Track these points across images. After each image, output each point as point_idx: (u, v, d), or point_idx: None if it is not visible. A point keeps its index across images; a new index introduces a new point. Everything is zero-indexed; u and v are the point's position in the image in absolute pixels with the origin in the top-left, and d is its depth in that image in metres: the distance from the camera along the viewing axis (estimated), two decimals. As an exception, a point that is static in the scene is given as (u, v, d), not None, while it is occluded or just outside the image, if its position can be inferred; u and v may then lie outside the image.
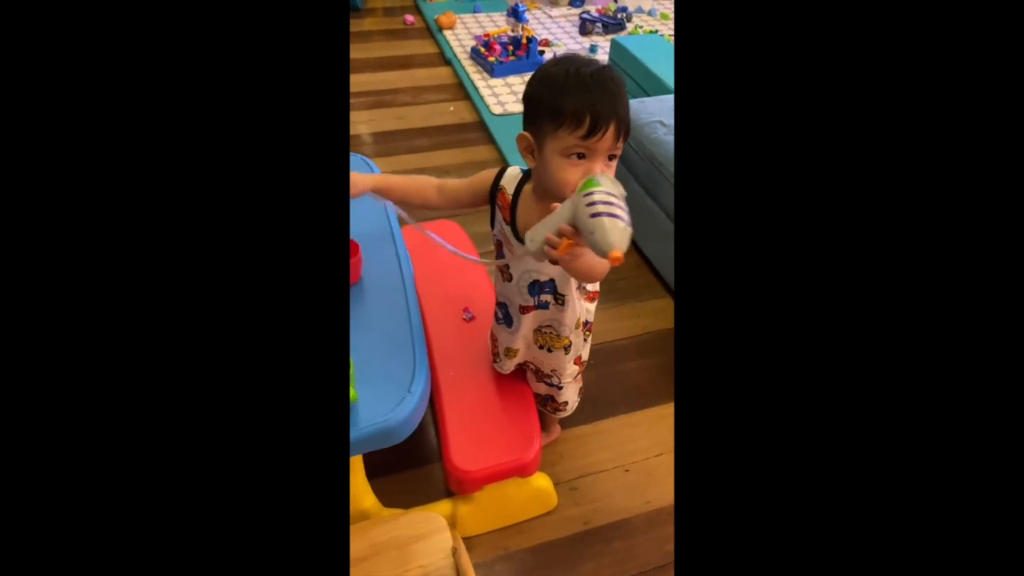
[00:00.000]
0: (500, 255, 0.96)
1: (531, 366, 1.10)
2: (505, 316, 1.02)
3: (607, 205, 0.62)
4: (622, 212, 0.63)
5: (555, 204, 0.69)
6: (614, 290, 1.65)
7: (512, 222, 0.89)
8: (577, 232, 0.65)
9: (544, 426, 1.26)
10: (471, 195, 0.94)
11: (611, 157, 0.78)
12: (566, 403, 1.13)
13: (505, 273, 0.96)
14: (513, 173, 0.91)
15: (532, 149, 0.80)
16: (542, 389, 1.12)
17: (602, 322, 1.58)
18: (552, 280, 0.92)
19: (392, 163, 2.14)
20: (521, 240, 0.87)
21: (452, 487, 1.02)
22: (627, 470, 1.25)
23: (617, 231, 0.61)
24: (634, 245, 1.78)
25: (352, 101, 2.51)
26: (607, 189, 0.64)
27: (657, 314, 1.61)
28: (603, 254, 0.62)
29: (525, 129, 0.81)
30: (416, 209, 0.99)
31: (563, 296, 0.93)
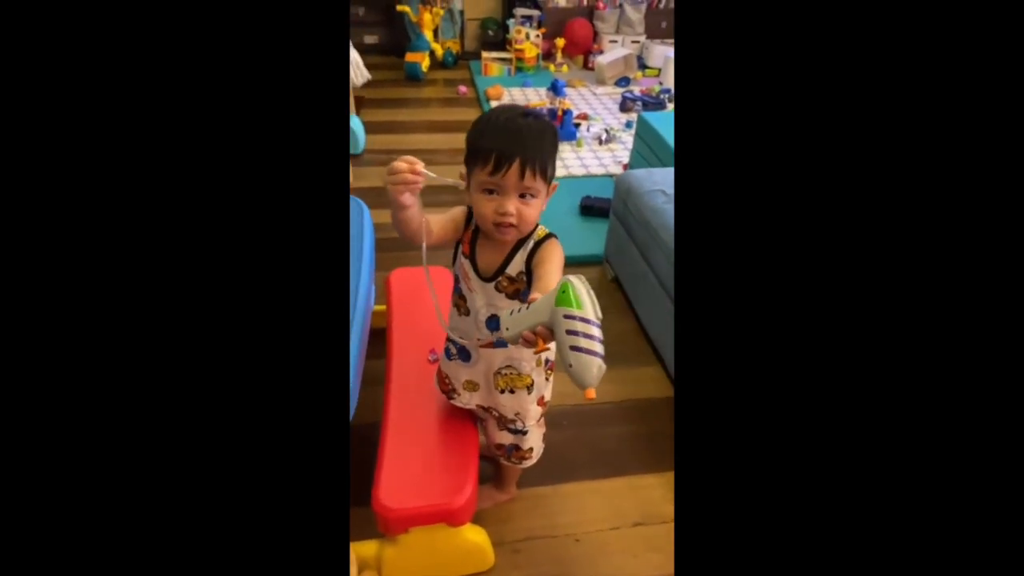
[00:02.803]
0: (458, 289, 0.99)
1: (493, 413, 1.08)
2: (460, 351, 1.03)
3: (588, 340, 0.62)
4: (599, 346, 0.62)
5: (535, 295, 0.71)
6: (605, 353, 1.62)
7: (471, 255, 0.93)
8: (552, 335, 0.66)
9: (501, 484, 1.22)
10: (454, 230, 0.96)
11: (526, 195, 0.83)
12: (531, 449, 1.10)
13: (462, 307, 0.98)
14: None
15: (468, 186, 0.87)
16: (507, 439, 1.09)
17: (585, 384, 1.54)
18: None
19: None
20: (479, 274, 0.91)
21: (379, 526, 1.00)
22: (578, 540, 1.17)
23: (595, 369, 0.62)
24: (631, 311, 1.76)
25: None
26: (584, 314, 0.62)
27: (645, 382, 1.56)
28: (579, 385, 0.63)
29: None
30: (418, 244, 0.94)
31: None
